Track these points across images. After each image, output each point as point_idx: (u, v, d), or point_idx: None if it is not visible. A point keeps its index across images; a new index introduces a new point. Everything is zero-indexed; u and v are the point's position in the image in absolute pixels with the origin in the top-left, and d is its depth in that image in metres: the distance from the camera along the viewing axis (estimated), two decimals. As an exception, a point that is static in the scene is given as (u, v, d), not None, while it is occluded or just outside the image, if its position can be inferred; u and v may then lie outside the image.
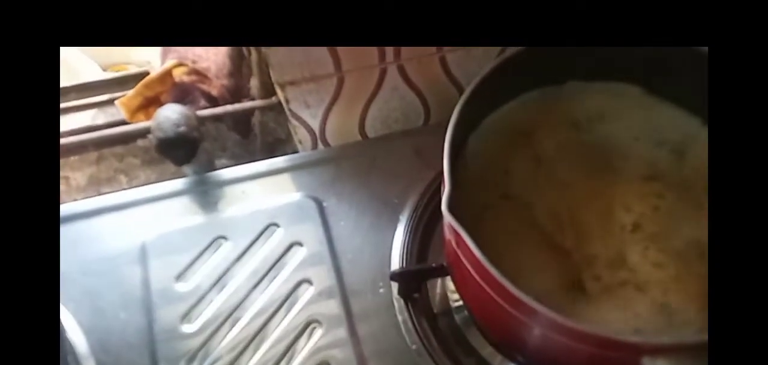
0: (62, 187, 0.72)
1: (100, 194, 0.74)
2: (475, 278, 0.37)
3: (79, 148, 0.72)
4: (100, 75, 0.76)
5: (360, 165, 0.59)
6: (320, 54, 0.55)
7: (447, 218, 0.36)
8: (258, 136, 0.69)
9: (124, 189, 0.55)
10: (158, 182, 0.71)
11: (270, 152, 0.74)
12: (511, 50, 0.45)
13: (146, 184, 0.71)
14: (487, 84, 0.43)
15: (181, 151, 0.50)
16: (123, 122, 0.71)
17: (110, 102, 0.76)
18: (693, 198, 0.46)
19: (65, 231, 0.52)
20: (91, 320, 0.48)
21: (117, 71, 1.32)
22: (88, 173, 0.73)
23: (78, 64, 1.04)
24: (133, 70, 0.78)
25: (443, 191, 0.38)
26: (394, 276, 0.49)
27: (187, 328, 0.48)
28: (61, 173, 0.73)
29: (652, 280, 0.42)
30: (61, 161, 0.72)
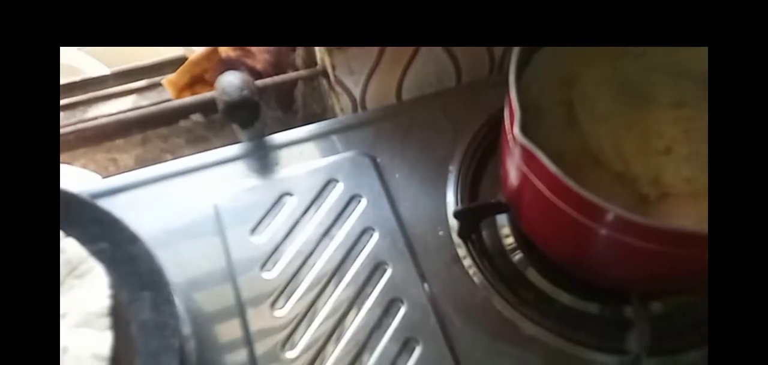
0: (111, 168, 0.75)
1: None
2: (546, 196, 0.42)
3: (124, 130, 0.75)
4: (137, 62, 0.79)
5: (404, 124, 0.63)
6: (368, 19, 0.58)
7: (520, 140, 0.40)
8: (300, 109, 0.73)
9: (192, 154, 0.58)
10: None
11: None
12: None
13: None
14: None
15: (246, 112, 0.54)
16: (166, 103, 0.74)
17: (149, 88, 0.79)
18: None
19: (140, 194, 0.55)
20: (176, 271, 0.51)
21: None
22: (135, 155, 0.76)
23: (85, 67, 1.07)
24: (167, 56, 0.80)
25: (513, 118, 0.42)
26: (458, 213, 0.53)
27: (267, 275, 0.52)
28: (109, 155, 0.75)
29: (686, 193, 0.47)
30: (107, 143, 0.75)
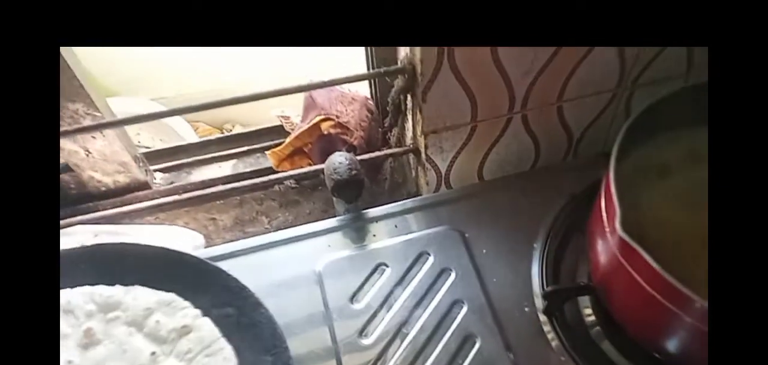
0: (211, 227, 0.82)
1: (245, 233, 0.84)
2: (642, 286, 0.44)
3: (225, 194, 0.82)
4: (240, 129, 0.86)
5: (486, 202, 0.67)
6: (463, 105, 0.63)
7: (621, 235, 0.43)
8: (388, 179, 0.78)
9: (275, 229, 0.63)
10: (295, 222, 0.80)
11: (392, 194, 0.82)
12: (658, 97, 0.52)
13: (285, 224, 0.80)
14: (634, 125, 0.51)
15: (354, 190, 0.59)
16: (264, 171, 0.81)
17: (248, 153, 0.86)
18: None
19: (252, 260, 0.61)
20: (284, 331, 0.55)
21: (211, 133, 1.47)
22: (233, 215, 0.82)
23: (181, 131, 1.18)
24: (266, 124, 0.88)
25: (613, 213, 0.45)
26: (547, 294, 0.56)
27: (365, 341, 0.56)
28: (208, 214, 0.82)
29: None
30: (208, 203, 0.82)
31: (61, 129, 0.63)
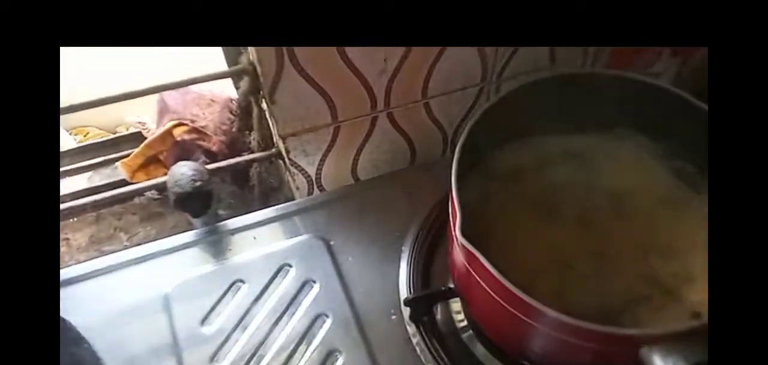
0: (63, 248, 0.74)
1: (102, 253, 0.76)
2: (488, 292, 0.43)
3: (79, 210, 0.74)
4: (95, 138, 0.79)
5: (359, 204, 0.64)
6: (319, 106, 0.60)
7: (461, 241, 0.42)
8: (256, 185, 0.73)
9: (134, 245, 0.58)
10: (158, 237, 0.74)
11: (265, 200, 0.78)
12: (498, 96, 0.51)
13: (146, 239, 0.74)
14: (478, 128, 0.49)
15: (198, 203, 0.54)
16: (121, 182, 0.74)
17: (103, 164, 0.79)
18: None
19: (88, 287, 0.55)
20: (125, 366, 0.50)
21: (78, 134, 1.35)
22: (88, 233, 0.75)
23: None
24: (122, 131, 0.81)
25: (455, 219, 0.43)
26: (408, 302, 0.53)
27: (217, 368, 0.51)
28: (62, 235, 0.74)
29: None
30: (62, 223, 0.74)
31: None
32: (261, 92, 0.58)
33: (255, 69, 0.54)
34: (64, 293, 0.53)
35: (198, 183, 0.53)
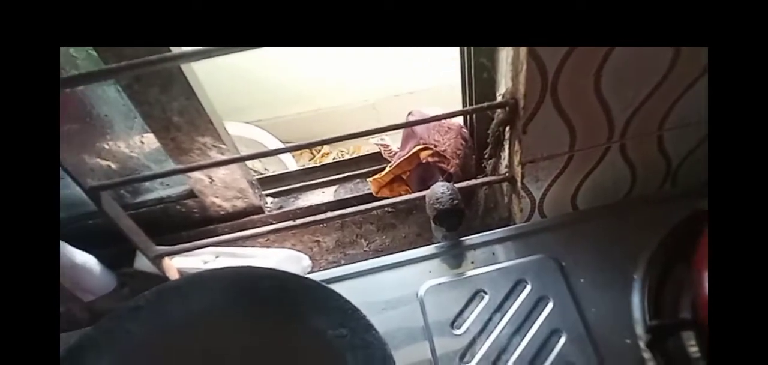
0: (315, 249, 0.88)
1: (345, 255, 0.89)
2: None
3: (330, 219, 0.87)
4: (338, 158, 0.92)
5: (584, 230, 0.68)
6: (562, 135, 0.65)
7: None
8: (482, 205, 0.81)
9: (372, 251, 0.68)
10: (392, 245, 0.84)
11: (485, 219, 0.85)
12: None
13: (382, 246, 0.85)
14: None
15: (454, 219, 0.62)
16: (366, 196, 0.86)
17: (348, 179, 0.92)
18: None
19: (356, 283, 0.66)
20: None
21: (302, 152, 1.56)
22: (335, 238, 0.88)
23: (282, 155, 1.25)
24: (363, 152, 0.93)
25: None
26: (652, 329, 0.56)
27: (466, 367, 0.59)
28: (313, 237, 0.89)
29: None
30: (313, 227, 0.88)
31: (193, 163, 0.70)
32: (512, 124, 0.65)
33: (517, 103, 0.61)
34: (344, 286, 0.65)
35: (455, 201, 0.61)
